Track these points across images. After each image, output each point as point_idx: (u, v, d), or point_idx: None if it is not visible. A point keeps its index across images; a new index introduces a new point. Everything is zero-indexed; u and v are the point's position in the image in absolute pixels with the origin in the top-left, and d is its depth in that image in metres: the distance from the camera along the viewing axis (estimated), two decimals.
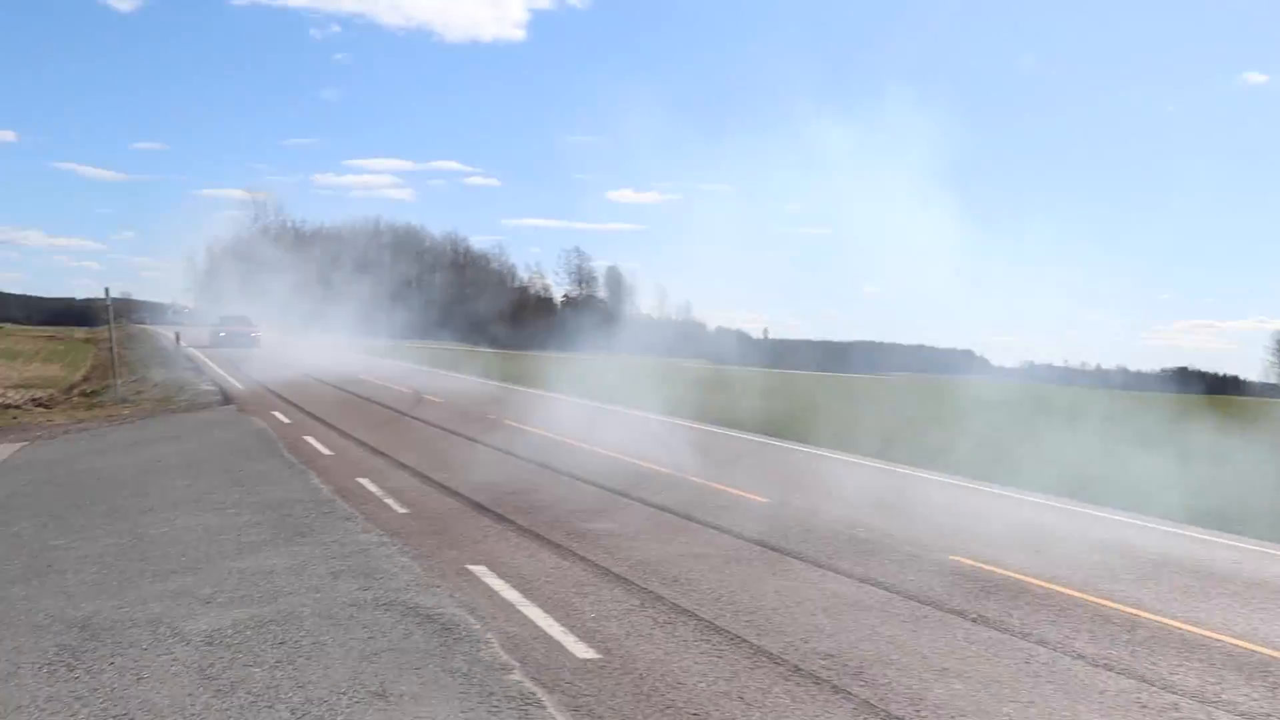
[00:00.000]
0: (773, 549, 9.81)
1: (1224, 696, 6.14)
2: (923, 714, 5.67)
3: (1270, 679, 6.51)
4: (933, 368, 44.63)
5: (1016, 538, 10.77)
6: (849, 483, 14.25)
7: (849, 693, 5.93)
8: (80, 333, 74.69)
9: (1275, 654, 7.03)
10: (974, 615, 7.74)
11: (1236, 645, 7.20)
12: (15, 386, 31.52)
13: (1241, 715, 5.87)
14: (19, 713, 5.16)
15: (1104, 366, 40.46)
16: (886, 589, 8.43)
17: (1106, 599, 8.34)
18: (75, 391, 30.70)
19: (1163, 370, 38.98)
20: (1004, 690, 6.11)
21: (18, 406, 24.72)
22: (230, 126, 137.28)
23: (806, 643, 6.87)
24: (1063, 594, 8.47)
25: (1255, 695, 6.19)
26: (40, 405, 25.45)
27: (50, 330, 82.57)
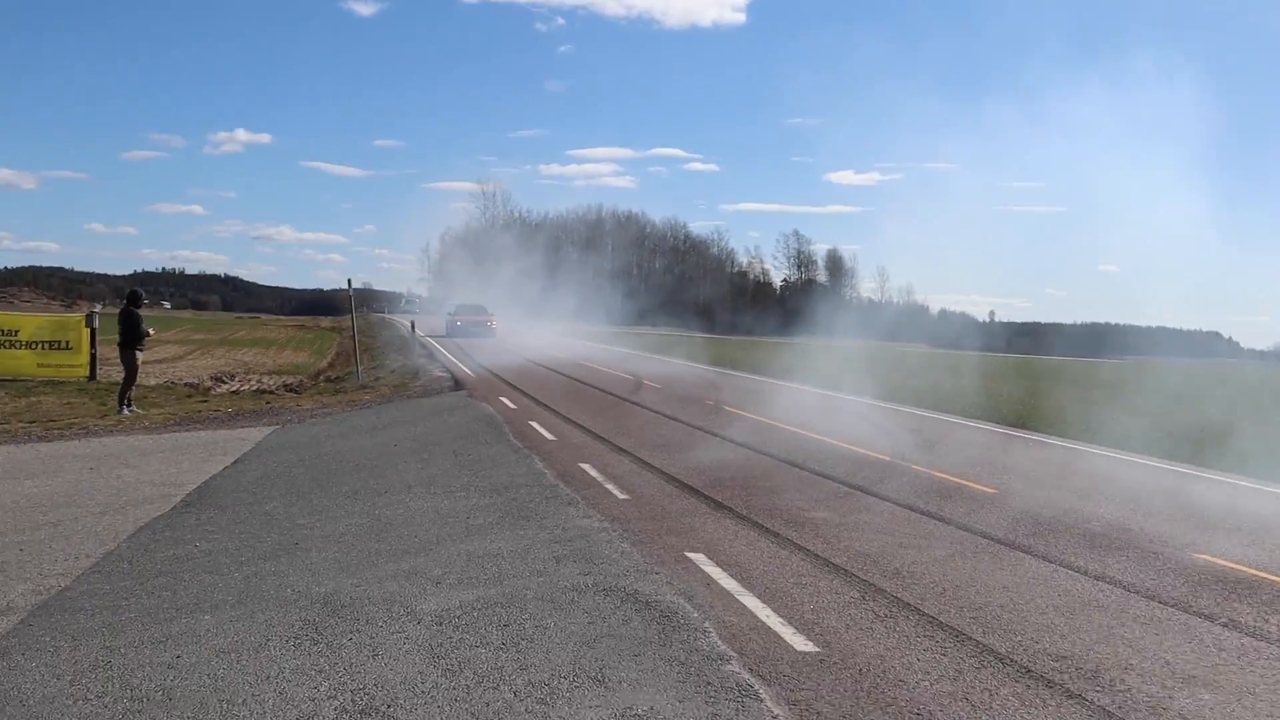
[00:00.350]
0: (1000, 542, 9.42)
1: None
2: None
3: None
4: (1175, 351, 42.01)
5: (1274, 536, 9.96)
6: (1082, 473, 13.55)
7: (1084, 698, 5.61)
8: (325, 321, 79.97)
9: None
10: (1224, 619, 7.20)
11: None
12: (269, 373, 33.97)
13: None
14: (268, 682, 5.52)
15: None
16: (1124, 588, 7.95)
17: None
18: (321, 377, 32.80)
19: None
20: (1259, 703, 5.64)
21: (271, 392, 26.57)
22: (461, 121, 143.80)
23: (1037, 643, 6.55)
24: None
25: None
26: (290, 390, 27.27)
27: (299, 319, 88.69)
